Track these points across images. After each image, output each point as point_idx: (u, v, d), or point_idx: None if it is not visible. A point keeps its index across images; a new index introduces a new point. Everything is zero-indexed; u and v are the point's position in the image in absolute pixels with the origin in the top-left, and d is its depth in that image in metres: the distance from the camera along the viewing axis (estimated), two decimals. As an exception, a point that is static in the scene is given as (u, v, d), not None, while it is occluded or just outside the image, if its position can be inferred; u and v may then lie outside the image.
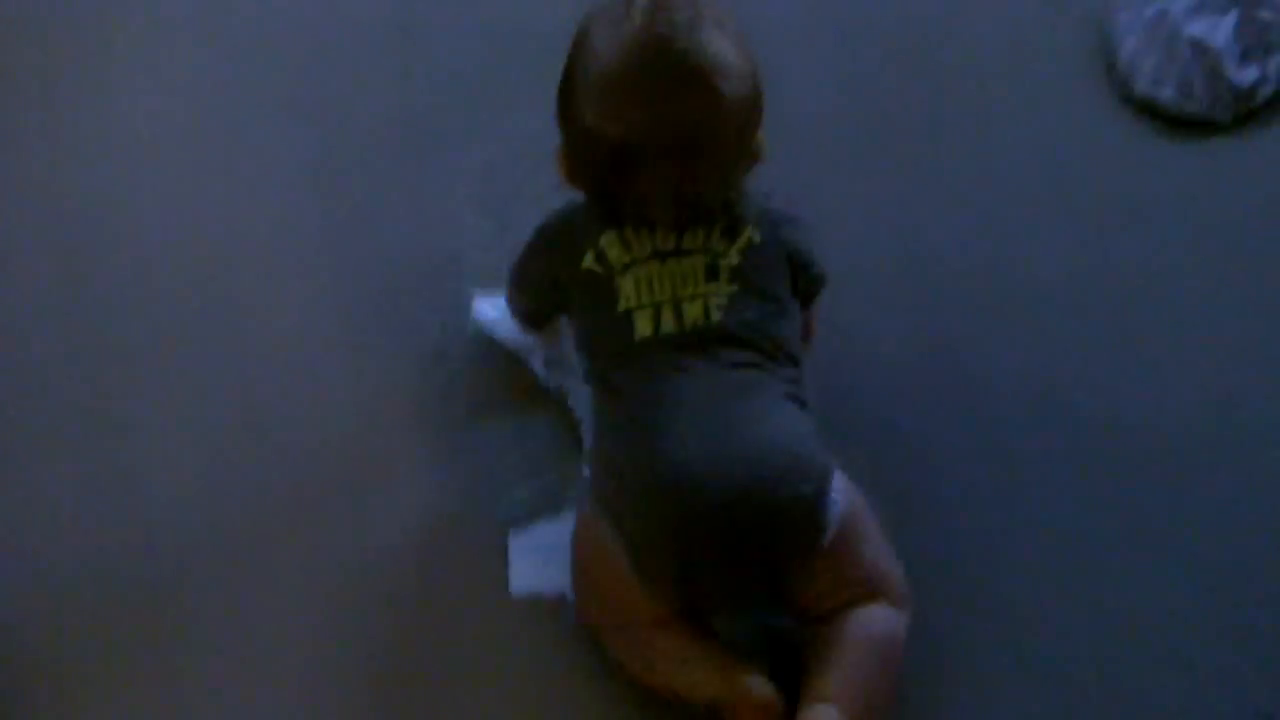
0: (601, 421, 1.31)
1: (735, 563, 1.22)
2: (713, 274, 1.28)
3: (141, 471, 1.51)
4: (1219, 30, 1.78)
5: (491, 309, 1.55)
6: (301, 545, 1.46)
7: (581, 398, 1.46)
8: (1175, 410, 1.52)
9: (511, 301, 1.49)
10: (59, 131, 1.81)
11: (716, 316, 1.27)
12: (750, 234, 1.30)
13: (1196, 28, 1.78)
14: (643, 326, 1.27)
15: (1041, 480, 1.48)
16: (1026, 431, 1.51)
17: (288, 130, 1.80)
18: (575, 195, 1.38)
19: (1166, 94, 1.76)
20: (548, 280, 1.37)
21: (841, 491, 1.26)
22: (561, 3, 1.85)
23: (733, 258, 1.29)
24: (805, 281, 1.36)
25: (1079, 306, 1.60)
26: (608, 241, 1.30)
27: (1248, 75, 1.75)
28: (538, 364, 1.52)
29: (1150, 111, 1.77)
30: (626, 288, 1.28)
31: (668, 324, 1.26)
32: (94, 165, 1.78)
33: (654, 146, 1.23)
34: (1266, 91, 1.76)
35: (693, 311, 1.27)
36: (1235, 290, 1.62)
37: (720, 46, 1.22)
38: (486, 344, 1.56)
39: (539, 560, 1.39)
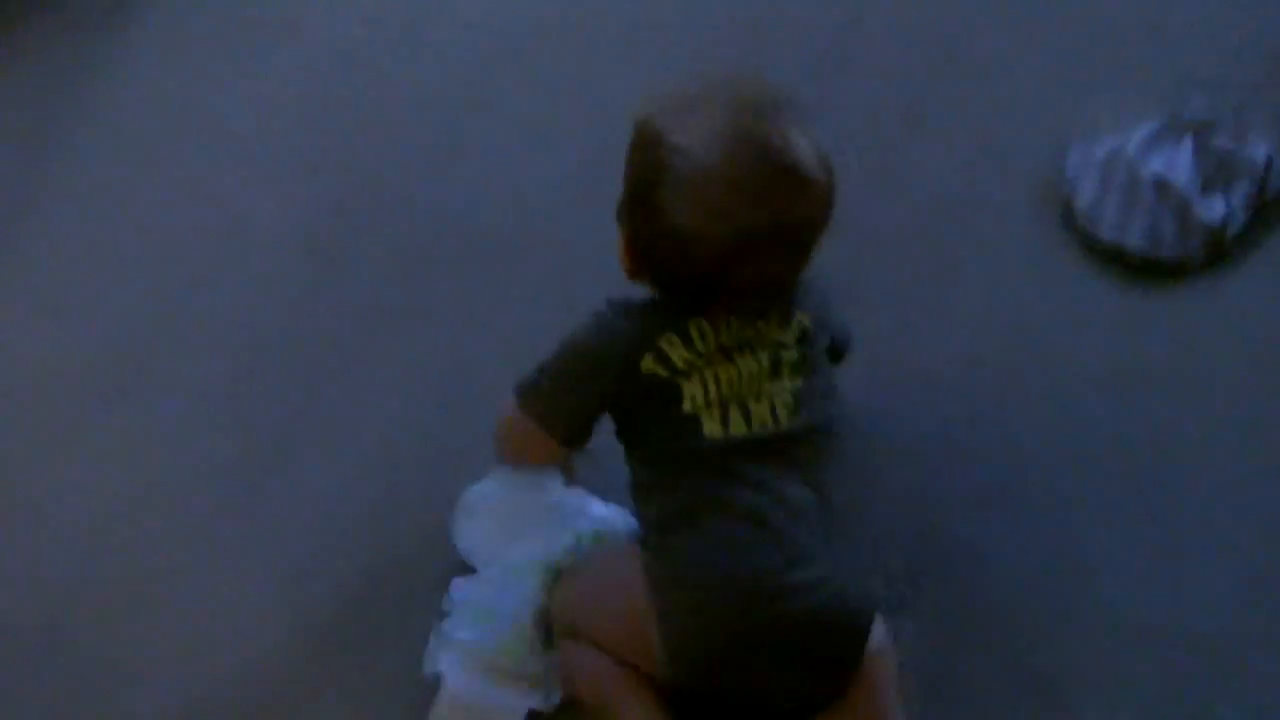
0: (661, 514, 1.26)
1: (775, 676, 1.21)
2: (776, 370, 1.27)
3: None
4: (1178, 165, 1.67)
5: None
6: None
7: None
8: (1211, 602, 1.38)
9: (534, 427, 1.34)
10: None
11: (783, 416, 1.25)
12: (800, 319, 1.30)
13: (1155, 165, 1.67)
14: (711, 427, 1.24)
15: (1082, 693, 1.33)
16: (1059, 642, 1.36)
17: (195, 363, 1.65)
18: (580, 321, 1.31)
19: (1134, 241, 1.64)
20: (595, 389, 1.30)
21: (881, 630, 1.24)
22: (452, 222, 1.76)
23: (792, 350, 1.28)
24: (839, 351, 1.42)
25: (1085, 490, 1.46)
26: (667, 342, 1.26)
27: (1215, 211, 1.64)
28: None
29: (1117, 258, 1.66)
30: (691, 389, 1.25)
31: (737, 424, 1.24)
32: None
33: (760, 240, 1.22)
34: (1235, 228, 1.66)
35: (760, 412, 1.24)
36: (1243, 453, 1.49)
37: (805, 138, 1.23)
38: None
39: None
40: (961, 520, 1.46)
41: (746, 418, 1.24)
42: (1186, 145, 1.69)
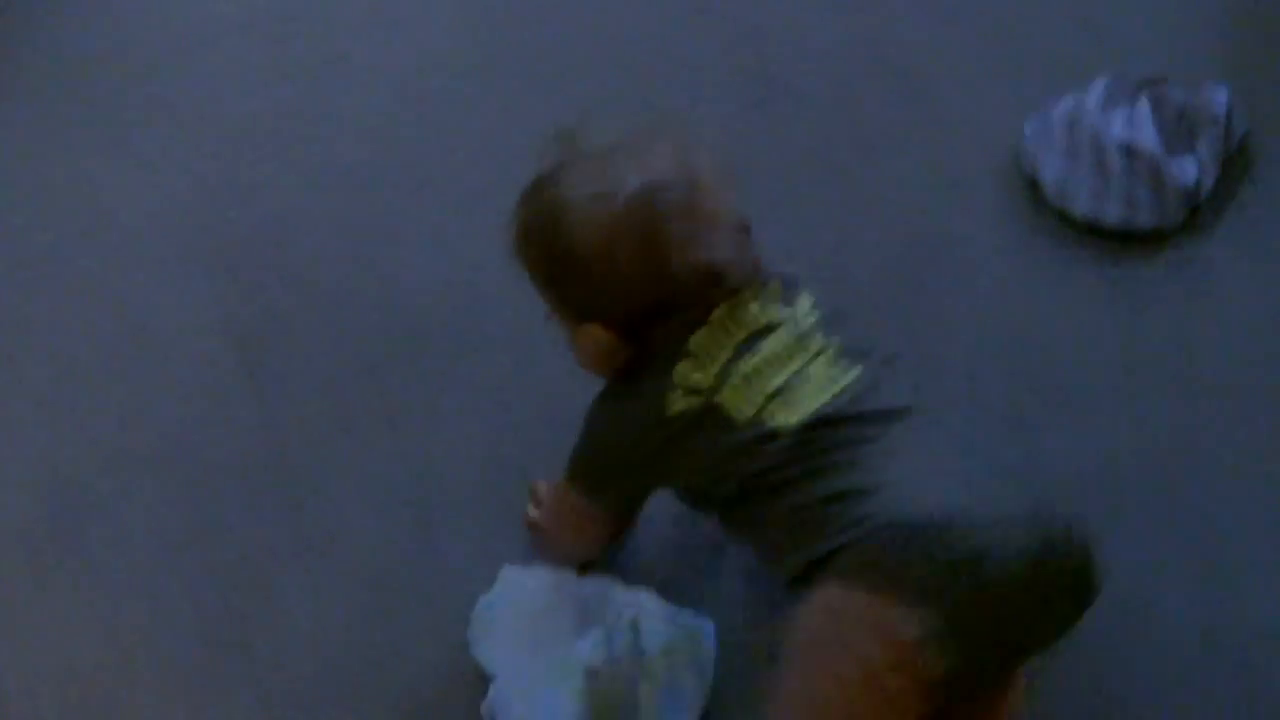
0: (815, 517, 1.10)
1: (1048, 602, 1.11)
2: (803, 339, 1.16)
3: None
4: (1142, 127, 1.60)
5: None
6: None
7: None
8: (1269, 591, 1.33)
9: (593, 510, 1.31)
10: None
11: (841, 372, 1.14)
12: (806, 298, 1.21)
13: (1117, 130, 1.60)
14: (783, 416, 1.11)
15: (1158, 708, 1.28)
16: (1125, 662, 1.31)
17: (141, 512, 1.50)
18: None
19: (1112, 212, 1.57)
20: (639, 458, 1.21)
21: None
22: (398, 313, 1.62)
23: (810, 315, 1.18)
24: None
25: (1119, 506, 1.39)
26: (682, 373, 1.15)
27: (1188, 172, 1.58)
28: None
29: (1093, 231, 1.59)
30: (733, 399, 1.13)
31: (804, 401, 1.12)
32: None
33: (662, 220, 1.15)
34: (1209, 183, 1.60)
35: (818, 376, 1.14)
36: (1261, 431, 1.43)
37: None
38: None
39: None
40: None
41: (807, 389, 1.13)
42: (1143, 104, 1.62)
